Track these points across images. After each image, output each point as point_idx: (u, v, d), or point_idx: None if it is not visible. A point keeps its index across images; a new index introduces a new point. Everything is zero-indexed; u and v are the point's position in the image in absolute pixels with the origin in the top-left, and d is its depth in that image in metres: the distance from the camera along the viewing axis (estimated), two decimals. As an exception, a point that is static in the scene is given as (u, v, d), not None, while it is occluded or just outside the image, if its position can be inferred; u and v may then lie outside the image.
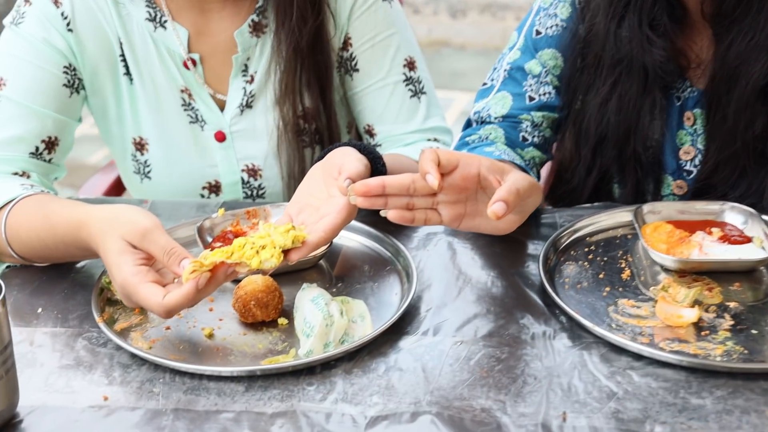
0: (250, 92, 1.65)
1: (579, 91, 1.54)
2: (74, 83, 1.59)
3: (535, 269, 1.37)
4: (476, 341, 1.22)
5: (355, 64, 1.66)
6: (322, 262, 1.42)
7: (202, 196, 1.73)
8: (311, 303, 1.21)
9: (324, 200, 1.27)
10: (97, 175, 2.11)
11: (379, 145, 1.70)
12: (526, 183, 1.23)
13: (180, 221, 1.54)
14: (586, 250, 1.42)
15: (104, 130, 1.72)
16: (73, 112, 1.60)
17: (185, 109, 1.66)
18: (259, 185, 1.71)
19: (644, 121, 1.50)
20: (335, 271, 1.40)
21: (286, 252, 1.18)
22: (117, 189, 2.06)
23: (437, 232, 1.49)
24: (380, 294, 1.33)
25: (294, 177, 1.69)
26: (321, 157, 1.37)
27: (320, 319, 1.18)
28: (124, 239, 1.17)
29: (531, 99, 1.59)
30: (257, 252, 1.16)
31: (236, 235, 1.44)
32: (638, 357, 1.17)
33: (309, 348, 1.18)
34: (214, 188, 1.72)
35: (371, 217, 1.48)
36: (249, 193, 1.72)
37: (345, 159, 1.28)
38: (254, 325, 1.26)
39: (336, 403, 1.11)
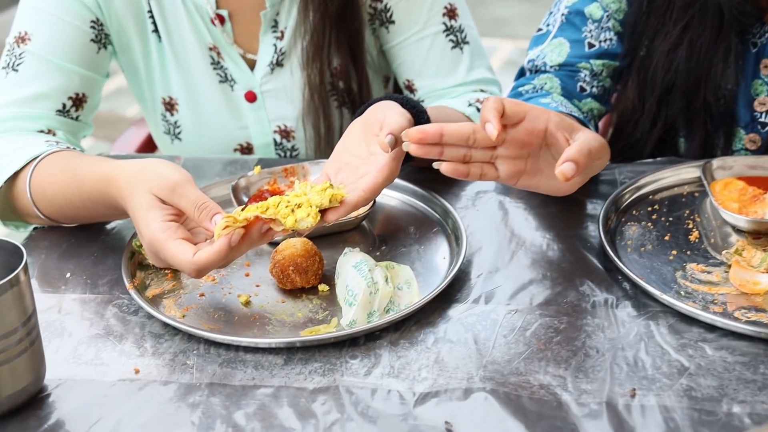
0: (281, 49, 1.55)
1: (645, 36, 1.41)
2: (101, 38, 1.50)
3: (594, 231, 1.27)
4: (532, 310, 1.12)
5: (390, 16, 1.55)
6: (364, 223, 1.33)
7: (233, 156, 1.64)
8: (354, 269, 1.12)
9: (364, 158, 1.18)
10: (131, 130, 2.04)
11: (422, 101, 1.59)
12: (597, 144, 1.11)
13: (214, 179, 1.46)
14: (650, 209, 1.31)
15: (135, 89, 1.65)
16: (100, 68, 1.51)
17: (214, 68, 1.57)
18: (292, 146, 1.63)
19: (717, 69, 1.37)
20: (378, 233, 1.31)
21: (323, 212, 1.09)
22: (150, 144, 1.98)
23: (487, 191, 1.40)
24: (427, 258, 1.24)
25: (326, 138, 1.60)
26: (361, 113, 1.27)
27: (364, 287, 1.10)
28: (152, 193, 1.09)
29: (591, 46, 1.47)
30: (292, 211, 1.07)
31: (273, 195, 1.36)
32: (711, 328, 1.07)
33: (352, 318, 1.09)
34: (246, 150, 1.64)
35: (416, 175, 1.39)
36: (282, 155, 1.64)
37: (386, 113, 1.18)
38: (293, 291, 1.18)
39: (382, 378, 1.03)
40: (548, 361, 1.04)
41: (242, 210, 1.07)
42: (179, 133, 1.64)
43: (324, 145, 1.62)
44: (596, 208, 1.32)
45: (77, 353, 1.09)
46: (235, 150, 1.64)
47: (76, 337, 1.12)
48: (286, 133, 1.62)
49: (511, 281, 1.18)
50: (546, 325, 1.10)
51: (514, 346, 1.06)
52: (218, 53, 1.57)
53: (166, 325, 1.13)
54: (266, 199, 1.36)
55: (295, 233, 1.11)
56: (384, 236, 1.30)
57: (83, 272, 1.25)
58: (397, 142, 1.13)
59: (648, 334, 1.07)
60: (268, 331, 1.12)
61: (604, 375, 1.01)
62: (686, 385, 0.99)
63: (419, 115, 1.27)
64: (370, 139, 1.19)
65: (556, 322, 1.10)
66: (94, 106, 1.52)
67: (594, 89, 1.48)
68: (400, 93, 1.70)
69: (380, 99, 1.27)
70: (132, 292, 1.16)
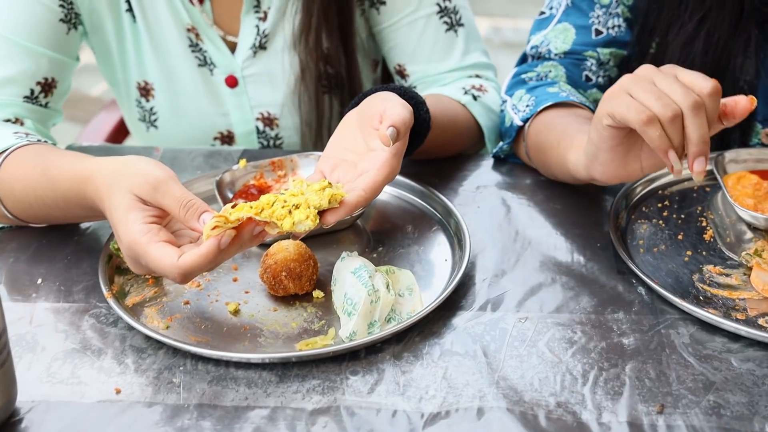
0: (264, 31, 1.45)
1: (657, 29, 1.33)
2: (71, 18, 1.39)
3: (603, 228, 1.20)
4: (543, 318, 1.05)
5: None
6: (358, 222, 1.24)
7: (213, 146, 1.55)
8: (353, 276, 1.04)
9: (362, 154, 1.10)
10: (100, 115, 1.93)
11: (414, 87, 1.50)
12: None
13: (195, 174, 1.36)
14: (660, 205, 1.24)
15: (107, 72, 1.54)
16: (70, 51, 1.40)
17: (192, 51, 1.47)
18: (276, 135, 1.53)
19: (736, 62, 1.29)
20: (373, 233, 1.22)
21: (321, 213, 1.01)
22: (123, 130, 1.87)
23: (487, 185, 1.31)
24: (427, 260, 1.16)
25: (312, 126, 1.51)
26: (355, 104, 1.19)
27: (364, 296, 1.01)
28: (132, 193, 0.99)
29: (598, 33, 1.38)
30: (290, 212, 0.98)
31: (260, 190, 1.27)
32: (735, 337, 1.01)
33: (352, 329, 1.01)
34: (227, 138, 1.54)
35: (409, 168, 1.31)
36: (265, 143, 1.55)
37: (387, 105, 1.09)
38: (285, 298, 1.10)
39: (386, 397, 0.94)
40: (564, 375, 0.96)
41: (232, 208, 0.98)
42: (155, 120, 1.54)
43: (310, 133, 1.53)
44: (603, 203, 1.25)
45: (51, 371, 1.00)
46: (215, 138, 1.54)
47: (50, 352, 1.03)
48: (269, 121, 1.52)
49: (519, 286, 1.10)
50: (559, 335, 1.02)
51: (526, 359, 0.99)
52: (197, 35, 1.46)
53: (148, 337, 1.03)
54: (254, 194, 1.28)
55: (290, 235, 1.02)
56: (380, 236, 1.21)
57: (56, 278, 1.15)
58: (398, 135, 1.05)
59: (669, 345, 1.00)
60: (260, 343, 1.03)
61: (625, 391, 0.94)
62: (714, 402, 0.92)
63: (418, 107, 1.18)
64: (368, 132, 1.10)
65: (570, 331, 1.03)
66: (64, 92, 1.41)
67: (600, 79, 1.40)
68: (390, 78, 1.61)
69: (375, 89, 1.18)
70: (111, 301, 1.07)
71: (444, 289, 1.07)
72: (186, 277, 0.95)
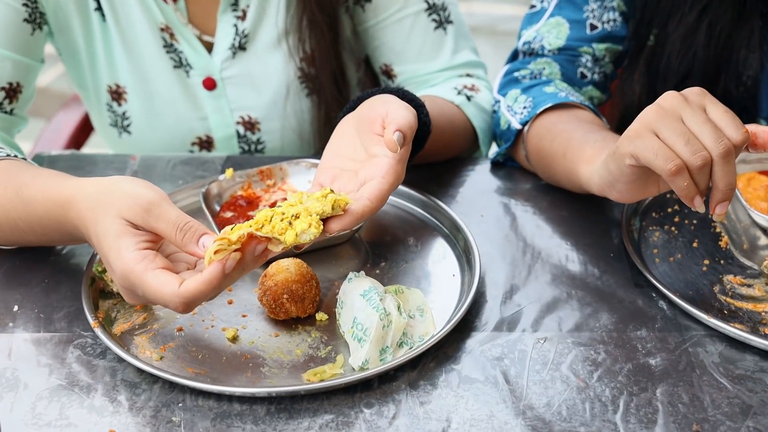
0: (243, 31, 1.36)
1: (656, 20, 1.26)
2: (35, 18, 1.28)
3: (614, 236, 1.14)
4: (563, 338, 0.98)
5: None
6: (357, 234, 1.16)
7: (191, 152, 1.46)
8: (362, 299, 0.96)
9: (362, 161, 1.02)
10: (60, 115, 1.80)
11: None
12: None
13: (177, 183, 1.27)
14: (670, 210, 1.18)
15: (75, 75, 1.43)
16: (35, 53, 1.29)
17: (167, 51, 1.37)
18: (258, 139, 1.44)
19: (739, 55, 1.24)
20: (373, 246, 1.14)
21: (324, 221, 0.92)
22: (86, 129, 1.76)
23: (487, 191, 1.25)
24: (434, 275, 1.09)
25: (296, 130, 1.43)
26: (350, 109, 1.10)
27: (376, 321, 0.94)
28: (122, 217, 0.90)
29: (593, 27, 1.31)
30: (290, 224, 0.90)
31: (249, 201, 1.19)
32: (766, 354, 0.95)
33: (364, 358, 0.93)
34: (206, 144, 1.45)
35: (406, 174, 1.23)
36: (246, 148, 1.46)
37: (389, 108, 1.02)
38: (287, 322, 1.02)
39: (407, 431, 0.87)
40: (593, 402, 0.90)
41: (232, 230, 0.89)
42: (128, 125, 1.43)
43: (295, 138, 1.44)
44: (610, 208, 1.18)
45: (37, 411, 0.91)
46: (193, 144, 1.45)
47: (34, 389, 0.93)
48: (250, 125, 1.43)
49: (534, 302, 1.04)
50: (582, 357, 0.96)
51: (550, 385, 0.92)
52: (171, 34, 1.36)
53: (142, 370, 0.95)
54: (241, 206, 1.19)
55: (293, 251, 0.94)
56: (380, 250, 1.13)
57: (34, 304, 1.05)
58: (405, 139, 0.97)
59: (699, 365, 0.94)
60: (263, 374, 0.95)
61: (660, 418, 0.88)
62: (753, 428, 0.87)
63: (418, 110, 1.11)
64: (369, 138, 1.02)
65: (593, 352, 0.96)
66: (29, 97, 1.30)
67: (595, 75, 1.34)
68: (374, 77, 1.53)
69: (371, 93, 1.10)
70: (98, 331, 0.98)
71: (456, 309, 1.01)
72: (189, 306, 0.87)
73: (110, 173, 1.29)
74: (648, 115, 0.93)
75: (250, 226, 0.88)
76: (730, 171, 0.90)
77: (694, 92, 0.94)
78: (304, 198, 0.94)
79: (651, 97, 1.27)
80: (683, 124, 0.91)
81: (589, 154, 1.07)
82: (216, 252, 0.86)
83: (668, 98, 0.93)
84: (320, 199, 0.92)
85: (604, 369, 0.94)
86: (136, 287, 0.88)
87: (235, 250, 0.87)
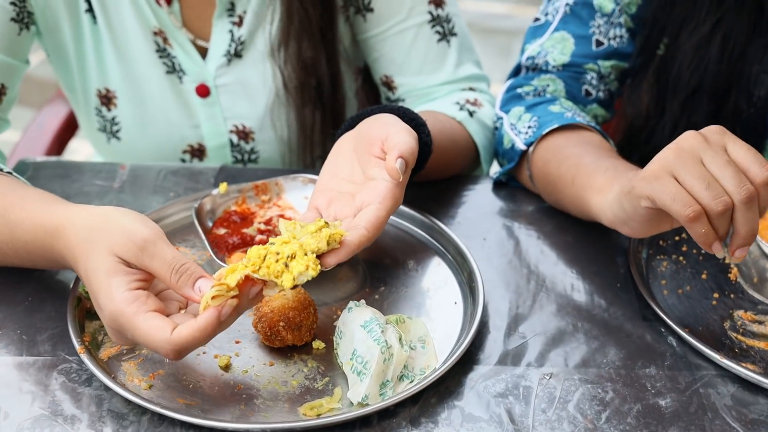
0: (239, 38, 1.31)
1: (668, 29, 1.22)
2: (23, 17, 1.23)
3: (621, 264, 1.10)
4: (569, 374, 0.95)
5: (369, 3, 1.32)
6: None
7: (183, 161, 1.41)
8: (363, 330, 0.92)
9: (359, 184, 0.99)
10: (43, 113, 1.74)
11: (402, 100, 1.38)
12: None
13: (167, 195, 1.22)
14: (677, 238, 1.15)
15: (64, 78, 1.38)
16: (21, 53, 1.24)
17: (160, 56, 1.32)
18: (251, 149, 1.39)
19: (752, 70, 1.19)
20: (371, 268, 1.10)
21: (320, 256, 0.89)
22: (70, 129, 1.70)
23: (489, 213, 1.21)
24: (436, 302, 1.05)
25: (292, 140, 1.38)
26: (348, 127, 1.06)
27: (377, 354, 0.90)
28: (115, 254, 0.86)
29: (599, 44, 1.27)
30: (286, 265, 0.86)
31: (243, 217, 1.15)
32: (779, 398, 0.92)
33: (364, 393, 0.89)
34: (197, 152, 1.40)
35: (408, 192, 1.18)
36: (239, 157, 1.41)
37: (389, 130, 0.98)
38: (282, 350, 0.97)
39: (407, 474, 0.83)
40: (601, 446, 0.86)
41: (227, 272, 0.85)
42: (117, 131, 1.38)
43: (290, 148, 1.39)
44: (616, 235, 1.14)
45: (18, 443, 0.86)
46: (185, 152, 1.40)
47: (15, 419, 0.89)
48: (244, 134, 1.39)
49: (539, 335, 1.00)
50: (590, 395, 0.92)
51: (557, 425, 0.89)
52: (164, 39, 1.31)
53: (130, 400, 0.90)
54: (235, 222, 1.15)
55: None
56: (379, 273, 1.09)
57: (16, 324, 1.00)
58: (406, 165, 0.93)
59: (710, 407, 0.91)
60: (257, 406, 0.90)
61: (671, 465, 0.84)
62: (769, 479, 0.83)
63: (419, 129, 1.07)
64: (367, 160, 0.99)
65: (600, 390, 0.93)
66: (12, 100, 1.25)
67: (600, 93, 1.30)
68: (374, 87, 1.48)
69: (372, 110, 1.06)
70: (83, 357, 0.93)
71: (459, 341, 0.97)
72: (180, 353, 0.82)
73: (98, 183, 1.24)
74: (666, 155, 0.89)
75: (246, 267, 0.84)
76: (752, 217, 0.86)
77: (714, 131, 0.90)
78: (298, 229, 0.91)
79: (659, 109, 1.24)
80: (703, 166, 0.87)
81: (600, 183, 1.03)
82: (213, 297, 0.83)
83: (688, 138, 0.89)
84: (315, 234, 0.89)
85: (613, 409, 0.90)
86: (126, 330, 0.84)
87: (233, 297, 0.83)
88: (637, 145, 1.30)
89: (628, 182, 0.94)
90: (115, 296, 0.83)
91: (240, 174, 1.28)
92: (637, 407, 0.91)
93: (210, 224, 1.13)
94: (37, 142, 1.69)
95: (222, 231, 1.12)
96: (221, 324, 0.83)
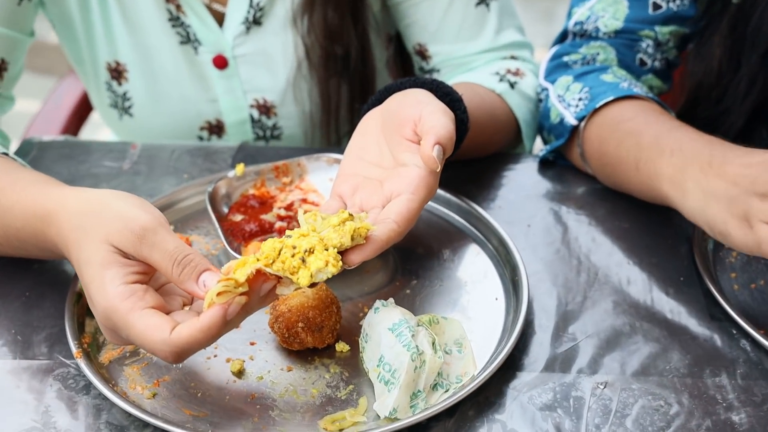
0: (258, 4, 1.20)
1: None
2: None
3: (684, 255, 0.98)
4: (627, 382, 0.83)
5: None
6: (385, 245, 1.00)
7: (201, 138, 1.31)
8: (391, 334, 0.81)
9: (388, 169, 0.88)
10: (63, 85, 1.65)
11: (437, 71, 1.26)
12: None
13: (181, 178, 1.12)
14: (747, 224, 1.01)
15: (71, 50, 1.28)
16: (24, 25, 1.14)
17: (173, 25, 1.21)
18: (274, 125, 1.29)
19: None
20: (403, 258, 0.99)
21: (342, 252, 0.78)
22: (86, 106, 1.61)
23: (533, 195, 1.09)
24: (474, 298, 0.94)
25: (317, 115, 1.27)
26: (376, 101, 0.95)
27: (407, 361, 0.79)
28: (110, 243, 0.76)
29: (656, 7, 1.14)
30: (303, 260, 0.75)
31: (261, 201, 1.05)
32: None
33: (393, 406, 0.78)
34: (216, 129, 1.30)
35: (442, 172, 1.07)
36: (261, 134, 1.31)
37: (423, 110, 0.87)
38: (302, 353, 0.87)
39: (441, 502, 0.73)
40: (666, 469, 0.75)
41: (237, 265, 0.74)
42: (129, 107, 1.28)
43: (315, 124, 1.28)
44: (677, 220, 1.02)
45: (7, 460, 0.77)
46: (202, 128, 1.30)
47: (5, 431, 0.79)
48: (265, 109, 1.28)
49: (591, 336, 0.88)
50: (651, 408, 0.80)
51: (614, 444, 0.77)
52: (177, 6, 1.20)
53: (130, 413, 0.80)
54: (253, 207, 1.05)
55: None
56: (411, 263, 0.98)
57: (12, 323, 0.91)
58: (444, 152, 0.83)
59: (793, 425, 0.78)
60: (273, 419, 0.80)
61: (748, 495, 0.73)
62: None
63: (454, 105, 0.95)
64: (397, 142, 0.88)
65: (663, 403, 0.81)
66: (15, 75, 1.16)
67: (656, 63, 1.16)
68: (407, 58, 1.36)
69: (402, 84, 0.95)
70: (81, 362, 0.83)
71: (500, 344, 0.86)
72: (180, 356, 0.72)
73: (107, 164, 1.14)
74: (743, 183, 0.83)
75: (258, 260, 0.73)
76: None
77: None
78: (319, 222, 0.80)
79: (733, 64, 1.10)
80: None
81: (669, 173, 0.92)
82: (219, 294, 0.72)
83: None
84: (338, 228, 0.78)
85: (679, 426, 0.79)
86: (120, 329, 0.74)
87: (241, 294, 0.73)
88: (705, 106, 1.15)
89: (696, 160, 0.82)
90: (108, 290, 0.74)
91: (260, 153, 1.17)
92: (707, 423, 0.79)
93: (225, 210, 1.03)
94: (55, 116, 1.61)
95: (238, 217, 1.02)
96: (227, 324, 0.73)
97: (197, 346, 0.73)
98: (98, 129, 2.66)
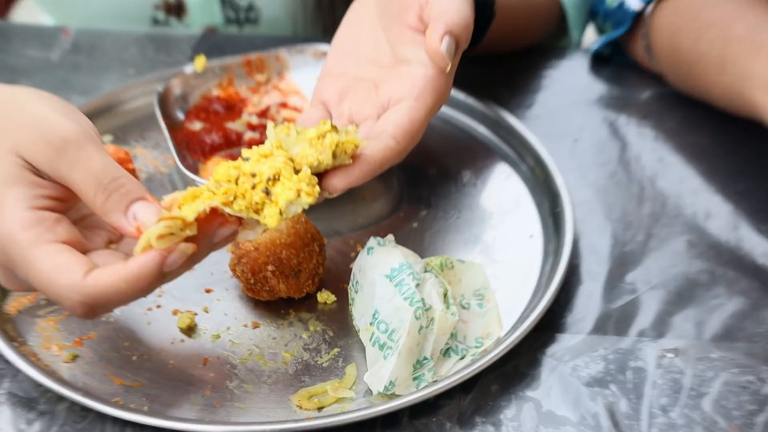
0: None
1: None
2: None
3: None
4: (704, 350, 0.75)
5: None
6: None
7: (156, 21, 1.23)
8: (389, 283, 0.72)
9: (388, 69, 0.82)
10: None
11: None
12: None
13: (126, 75, 1.06)
14: None
15: None
16: None
17: None
18: (249, 5, 1.22)
19: None
20: (410, 181, 0.92)
21: (322, 175, 0.71)
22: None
23: (582, 102, 1.06)
24: (501, 235, 0.86)
25: None
26: None
27: (409, 320, 0.69)
28: (19, 155, 0.68)
29: None
30: (267, 193, 0.67)
31: (228, 106, 1.03)
32: None
33: (389, 378, 0.69)
34: (175, 8, 1.23)
35: (461, 70, 0.98)
36: (232, 16, 1.23)
37: None
38: (272, 305, 0.79)
39: None
40: (756, 470, 0.66)
41: (185, 196, 0.65)
42: (64, -20, 1.21)
43: (303, 7, 1.20)
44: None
45: None
46: (158, 8, 1.23)
47: None
48: None
49: (656, 288, 0.80)
50: (737, 386, 0.72)
51: (685, 430, 0.68)
52: None
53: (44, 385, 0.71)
54: (217, 112, 0.99)
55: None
56: (420, 190, 0.91)
57: None
58: (457, 46, 0.77)
59: None
60: (231, 392, 0.72)
61: None
62: None
63: None
64: (398, 32, 0.82)
65: (753, 376, 0.73)
66: None
67: None
68: None
69: None
70: (-20, 314, 0.74)
71: (535, 297, 0.78)
72: (92, 309, 0.64)
73: (30, 53, 1.08)
74: None
75: (214, 194, 0.65)
76: None
77: None
78: (293, 136, 0.72)
79: None
80: None
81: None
82: (160, 237, 0.62)
83: None
84: (316, 142, 0.70)
85: (773, 409, 0.69)
86: (18, 266, 0.65)
87: (188, 238, 0.64)
88: None
89: None
90: (7, 215, 0.65)
91: (229, 43, 1.11)
92: (810, 406, 0.69)
93: (180, 116, 0.97)
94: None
95: (197, 125, 0.97)
96: (164, 276, 0.64)
97: (117, 299, 0.64)
98: (33, 13, 2.58)
